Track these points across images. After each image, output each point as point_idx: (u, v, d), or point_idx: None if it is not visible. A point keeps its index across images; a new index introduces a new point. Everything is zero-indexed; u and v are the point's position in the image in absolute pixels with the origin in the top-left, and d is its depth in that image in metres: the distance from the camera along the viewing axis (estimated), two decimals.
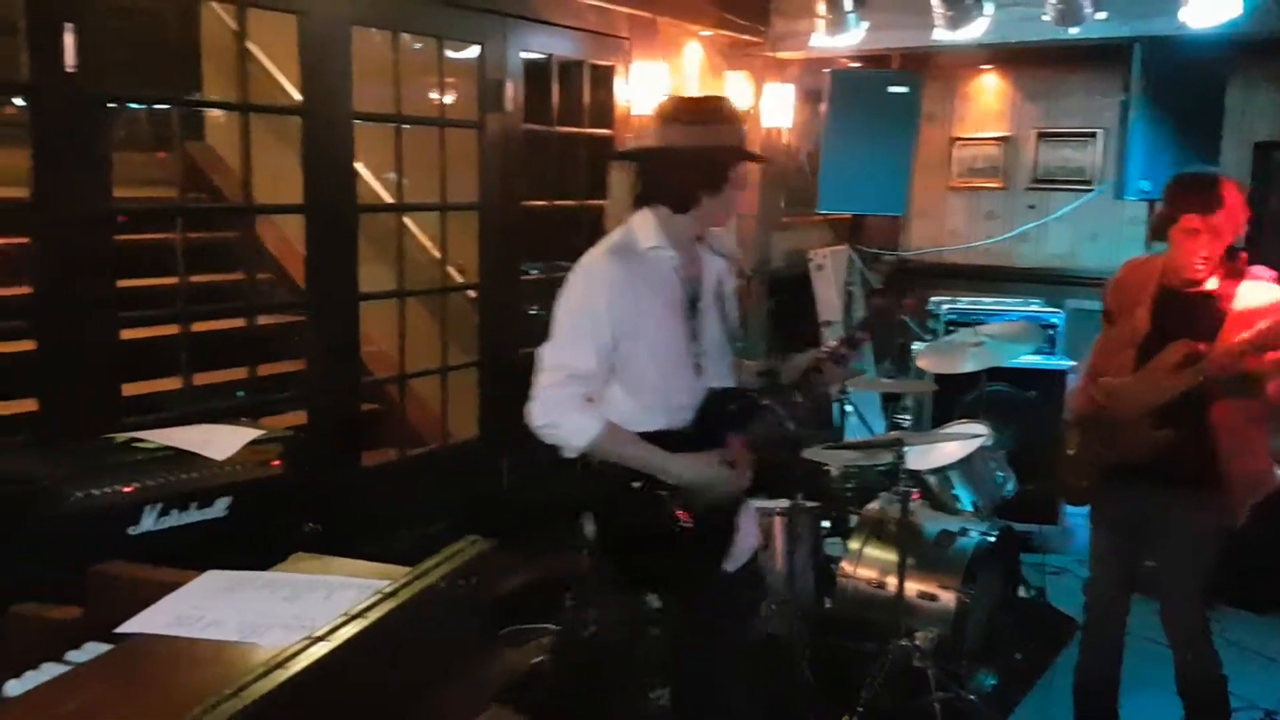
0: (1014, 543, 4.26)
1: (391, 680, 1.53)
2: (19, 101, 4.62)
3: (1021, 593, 4.52)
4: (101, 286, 3.17)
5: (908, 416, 4.42)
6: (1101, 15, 4.63)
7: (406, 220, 4.62)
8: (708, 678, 2.67)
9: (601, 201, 5.11)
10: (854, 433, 5.53)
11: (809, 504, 4.10)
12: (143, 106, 5.10)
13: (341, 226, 3.92)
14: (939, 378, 4.68)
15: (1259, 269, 3.04)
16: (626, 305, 2.45)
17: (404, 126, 4.19)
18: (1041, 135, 6.59)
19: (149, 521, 2.34)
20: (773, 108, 5.93)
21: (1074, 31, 4.69)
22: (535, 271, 5.06)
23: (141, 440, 2.58)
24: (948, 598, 3.80)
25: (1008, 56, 6.47)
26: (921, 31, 5.00)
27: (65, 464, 2.40)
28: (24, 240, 3.27)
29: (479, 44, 4.43)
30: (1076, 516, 4.88)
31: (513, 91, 4.54)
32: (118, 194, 3.26)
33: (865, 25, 4.98)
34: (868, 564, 4.00)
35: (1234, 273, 3.01)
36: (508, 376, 4.68)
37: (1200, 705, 3.16)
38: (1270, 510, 3.12)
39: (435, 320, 4.63)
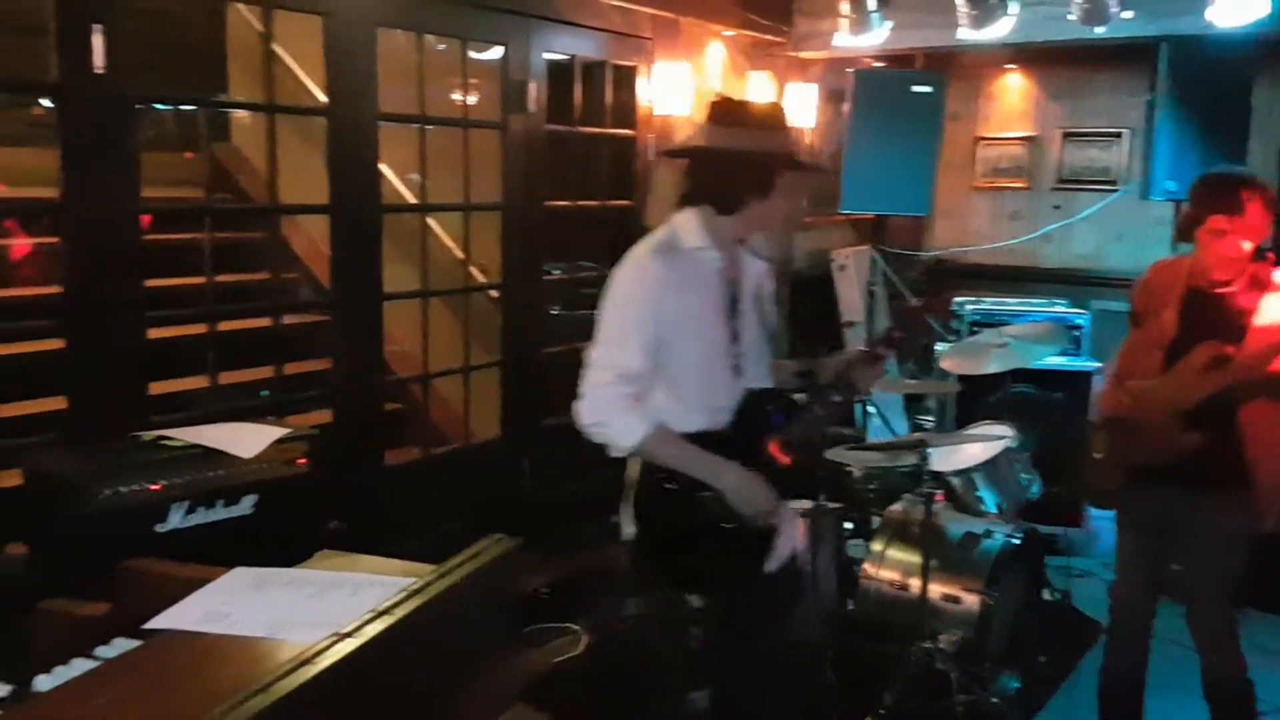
0: (1039, 545, 4.22)
1: (417, 677, 1.54)
2: (46, 102, 4.70)
3: (1046, 595, 4.49)
4: (129, 286, 3.20)
5: (931, 418, 4.40)
6: (1128, 14, 4.59)
7: (429, 220, 4.64)
8: (748, 678, 2.68)
9: (623, 202, 5.13)
10: (876, 434, 5.51)
11: (832, 505, 4.09)
12: (170, 108, 5.14)
13: (366, 227, 3.94)
14: (963, 379, 4.65)
15: None
16: (670, 304, 2.46)
17: (427, 127, 4.21)
18: (1067, 135, 6.54)
19: (176, 519, 2.36)
20: (795, 108, 5.91)
21: (1100, 31, 4.65)
22: (557, 272, 5.07)
23: (169, 438, 2.60)
24: (971, 600, 3.78)
25: (1032, 56, 6.42)
26: (945, 31, 4.97)
27: (94, 462, 2.43)
28: (54, 240, 3.31)
29: (502, 45, 4.44)
30: (1101, 519, 4.84)
31: (536, 92, 4.55)
32: (145, 194, 3.29)
33: (889, 25, 4.97)
34: (890, 566, 3.98)
35: (1261, 277, 2.98)
36: (529, 376, 4.70)
37: (1226, 709, 3.13)
38: None
39: (458, 320, 4.65)
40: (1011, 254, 6.64)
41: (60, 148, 3.04)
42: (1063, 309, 5.74)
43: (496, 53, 4.52)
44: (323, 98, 3.93)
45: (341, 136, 3.82)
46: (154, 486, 2.36)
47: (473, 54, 4.57)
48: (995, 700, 3.69)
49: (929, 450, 3.79)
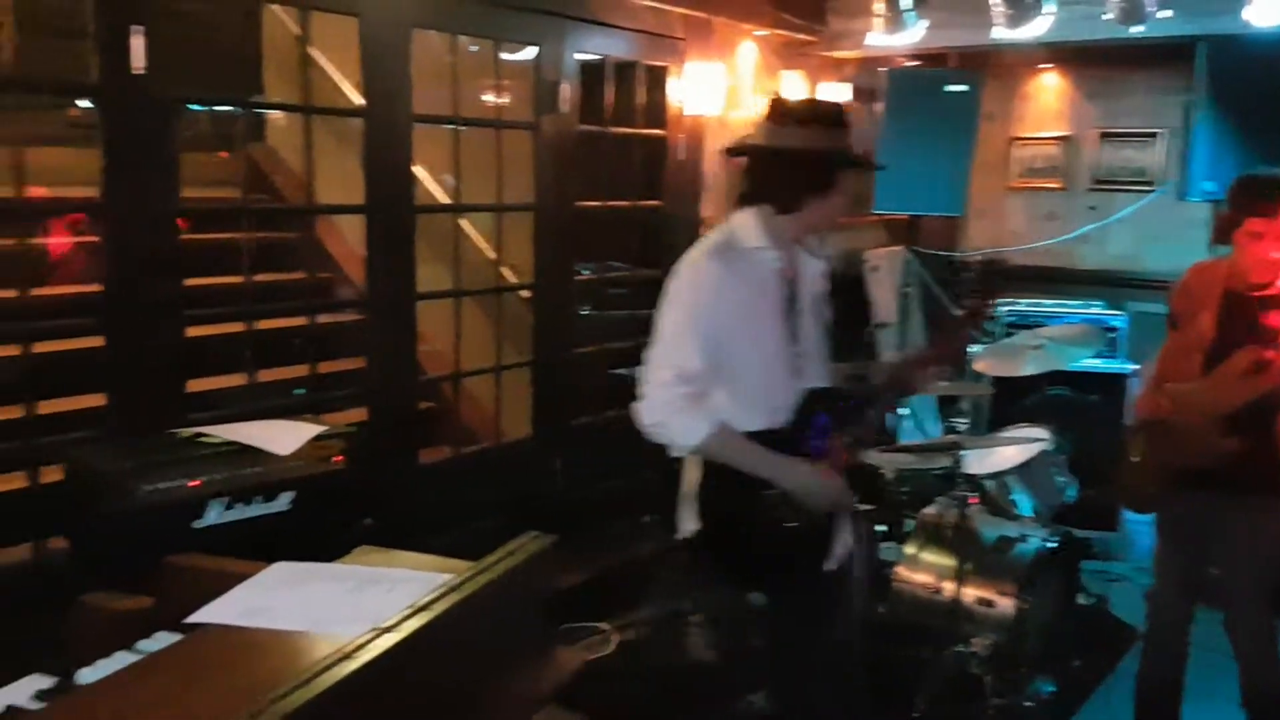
0: (1074, 549, 4.19)
1: (454, 674, 1.54)
2: (83, 103, 4.77)
3: (1081, 600, 4.44)
4: (168, 285, 3.24)
5: (964, 420, 4.36)
6: (1165, 14, 4.54)
7: (461, 221, 4.66)
8: (807, 679, 2.69)
9: (654, 202, 5.13)
10: (908, 436, 5.48)
11: (864, 507, 4.07)
12: (208, 109, 5.18)
13: (400, 227, 3.97)
14: (997, 381, 4.61)
15: None
16: (729, 304, 2.47)
17: (460, 128, 4.23)
18: (1103, 135, 6.47)
19: (214, 515, 2.39)
20: None
21: (1137, 30, 4.60)
22: (587, 272, 5.08)
23: (207, 435, 2.63)
24: (1006, 604, 3.75)
25: (1068, 55, 6.35)
26: (980, 30, 4.94)
27: (133, 458, 2.45)
28: (94, 239, 3.35)
29: (536, 45, 4.46)
30: (1137, 523, 4.78)
31: (568, 93, 4.56)
32: (183, 194, 3.32)
33: (924, 24, 4.94)
34: (924, 569, 3.95)
35: None
36: (560, 376, 4.71)
37: (1264, 717, 3.09)
38: None
39: (489, 320, 4.67)
40: (1047, 255, 6.57)
41: (101, 148, 3.07)
42: (1099, 311, 5.69)
43: (529, 53, 4.53)
44: (357, 99, 3.96)
45: (377, 137, 3.84)
46: (193, 483, 2.38)
47: (505, 55, 4.59)
48: (1029, 704, 3.66)
49: (963, 453, 3.77)
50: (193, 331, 3.41)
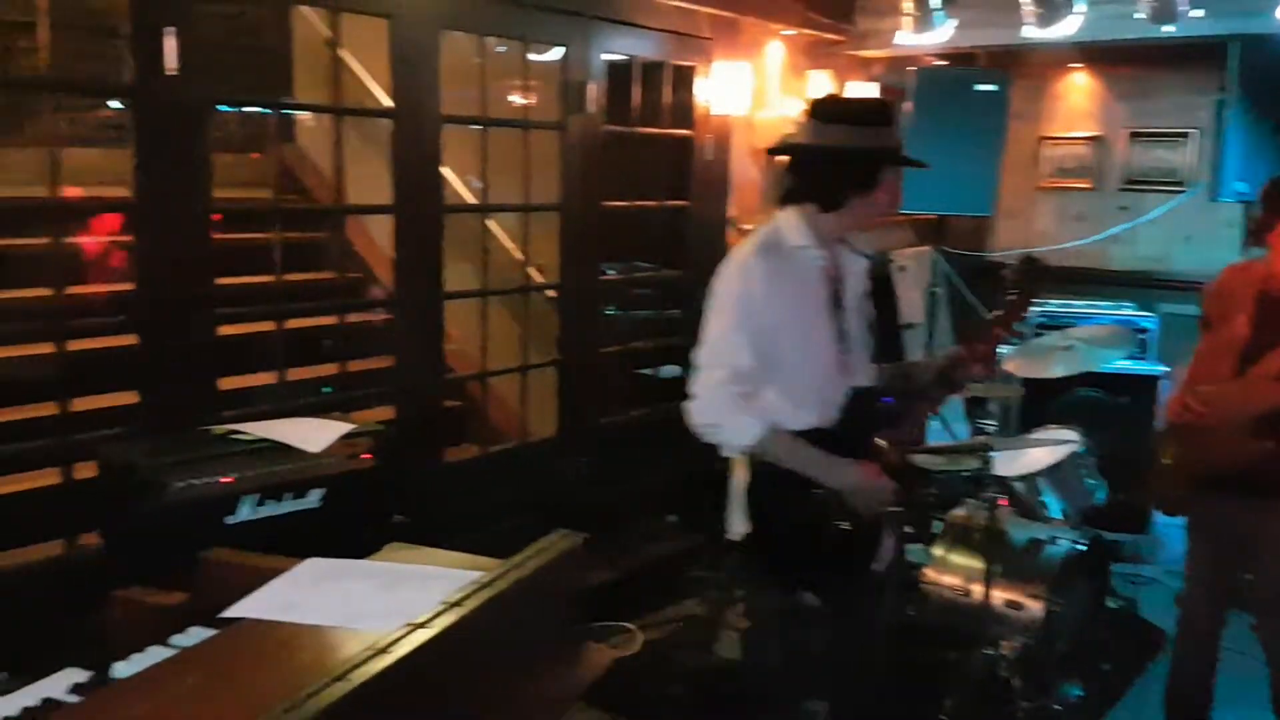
0: (1104, 552, 4.15)
1: (486, 670, 1.55)
2: (114, 104, 4.83)
3: (1110, 603, 4.40)
4: (200, 284, 3.26)
5: (993, 421, 4.33)
6: (1197, 13, 4.49)
7: (489, 221, 4.68)
8: (865, 680, 2.70)
9: (680, 202, 5.12)
10: (936, 437, 5.44)
11: (892, 509, 4.04)
12: (240, 109, 5.22)
13: (428, 227, 3.98)
14: (1026, 382, 4.58)
15: None
16: (777, 302, 2.47)
17: (487, 128, 4.24)
18: (1133, 135, 6.42)
19: (246, 511, 2.41)
20: None
21: (1169, 30, 4.56)
22: (613, 272, 5.08)
23: (239, 432, 2.65)
24: (1035, 606, 3.71)
25: (1098, 54, 6.30)
26: (1010, 30, 4.91)
27: (166, 455, 2.48)
28: (127, 238, 3.38)
29: (563, 46, 4.47)
30: (1167, 526, 4.74)
31: (595, 93, 4.56)
32: (214, 194, 3.35)
33: (953, 23, 4.91)
34: (952, 571, 3.93)
35: None
36: (586, 376, 4.72)
37: None
38: None
39: (515, 320, 4.68)
40: (1077, 255, 6.52)
41: (134, 148, 3.10)
42: (1130, 312, 5.64)
43: (556, 54, 4.54)
44: (385, 100, 3.98)
45: (405, 138, 3.86)
46: (225, 479, 2.41)
47: (532, 55, 4.60)
48: (1057, 708, 3.63)
49: (993, 454, 3.74)
50: (224, 330, 3.44)
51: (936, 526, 4.20)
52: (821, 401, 2.54)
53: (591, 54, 4.53)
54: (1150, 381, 5.17)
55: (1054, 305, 5.65)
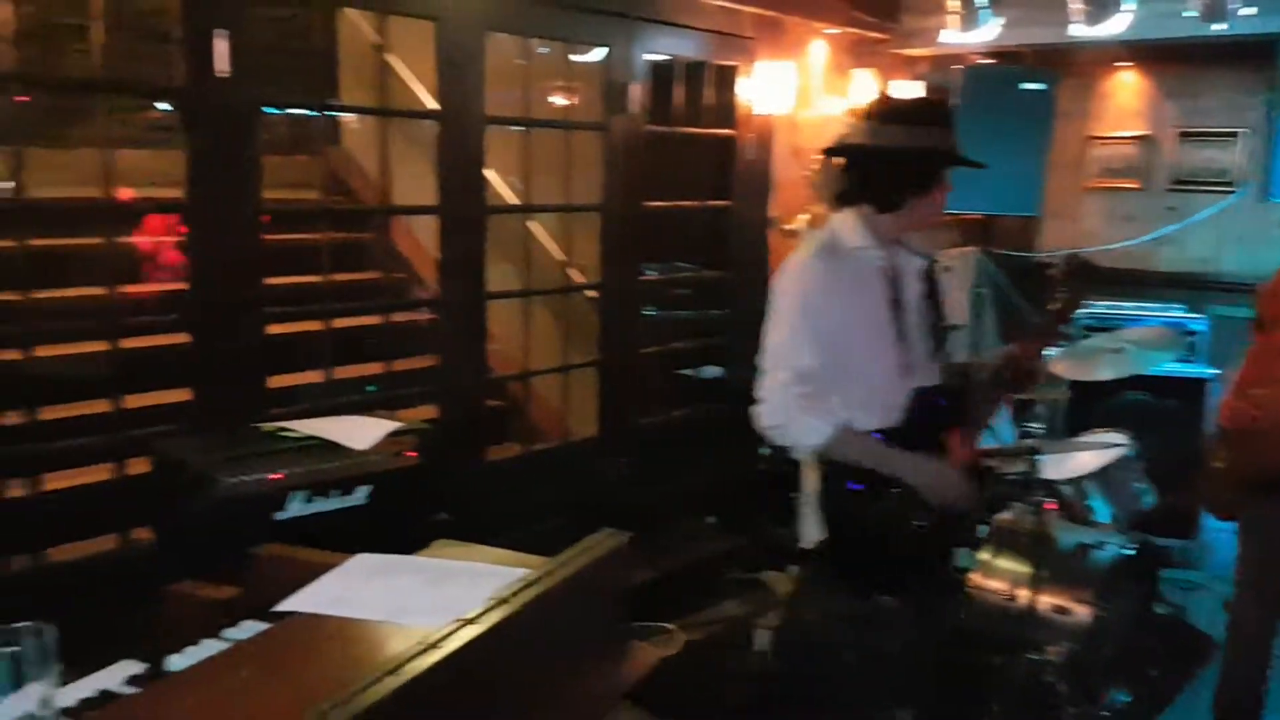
0: (1153, 557, 4.08)
1: (534, 666, 1.56)
2: (164, 106, 4.90)
3: (1158, 609, 4.33)
4: (251, 284, 3.31)
5: (1039, 425, 4.28)
6: (1249, 11, 4.42)
7: (530, 222, 4.70)
8: (950, 684, 2.65)
9: (722, 202, 5.12)
10: (982, 441, 5.38)
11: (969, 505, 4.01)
12: (288, 112, 5.28)
13: (471, 228, 4.01)
14: (1074, 384, 4.52)
15: None
16: (838, 303, 2.47)
17: (530, 129, 4.26)
18: (1182, 135, 6.31)
19: (294, 507, 2.44)
20: None
21: (1219, 28, 4.49)
22: (653, 272, 5.08)
23: (288, 430, 2.69)
24: (1082, 612, 3.66)
25: (1147, 53, 6.20)
26: (1057, 28, 4.85)
27: (217, 451, 2.52)
28: (180, 239, 3.44)
29: (606, 47, 4.48)
30: (1216, 531, 4.66)
31: (637, 93, 4.57)
32: (264, 195, 3.40)
33: (999, 22, 4.86)
34: (998, 575, 3.88)
35: None
36: (627, 376, 4.72)
37: None
38: None
39: (556, 320, 4.70)
40: (1126, 256, 6.42)
41: (185, 150, 3.15)
42: (1179, 314, 5.55)
43: (598, 54, 4.55)
44: (430, 102, 4.00)
45: (450, 139, 3.88)
46: (274, 476, 2.44)
47: (575, 56, 4.62)
48: (1104, 715, 3.58)
49: (1040, 457, 3.70)
50: (273, 329, 3.49)
51: (982, 530, 4.16)
52: (885, 403, 2.52)
53: (634, 54, 4.54)
54: (1199, 384, 5.08)
55: (1102, 307, 5.56)
